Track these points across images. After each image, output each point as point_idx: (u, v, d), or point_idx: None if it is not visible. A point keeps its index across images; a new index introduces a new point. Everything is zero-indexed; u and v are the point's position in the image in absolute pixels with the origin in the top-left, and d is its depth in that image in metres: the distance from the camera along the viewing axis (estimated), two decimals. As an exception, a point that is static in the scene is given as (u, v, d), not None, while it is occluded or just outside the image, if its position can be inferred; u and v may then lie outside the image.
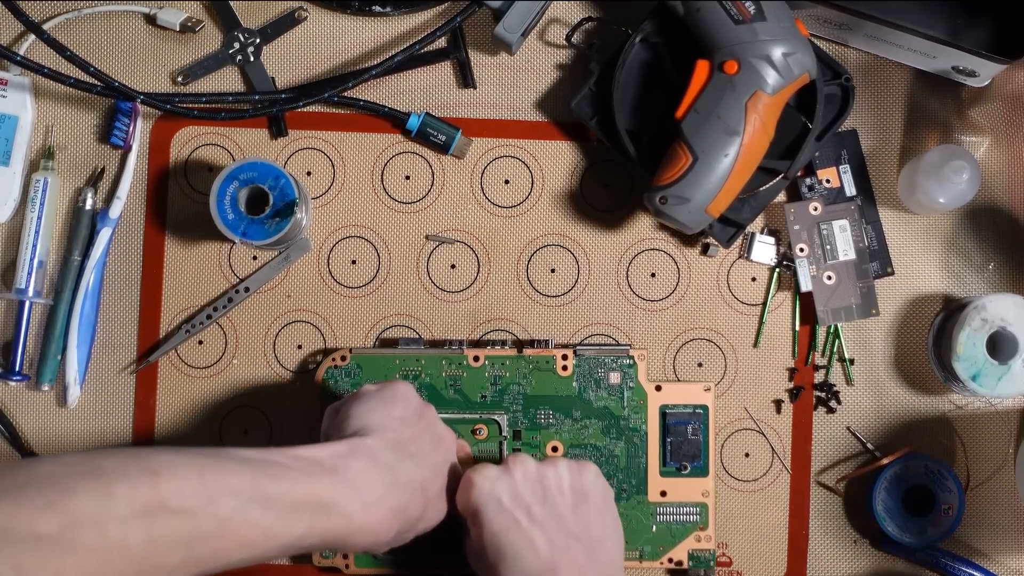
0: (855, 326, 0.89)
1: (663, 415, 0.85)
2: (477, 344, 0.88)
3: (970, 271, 0.89)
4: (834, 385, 0.88)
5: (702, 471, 0.84)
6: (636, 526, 0.84)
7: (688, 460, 0.84)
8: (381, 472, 0.69)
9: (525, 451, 0.84)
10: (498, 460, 0.84)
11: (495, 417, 0.84)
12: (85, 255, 0.88)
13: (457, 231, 0.89)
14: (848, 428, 0.89)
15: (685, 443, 0.84)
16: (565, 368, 0.84)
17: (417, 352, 0.85)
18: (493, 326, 0.89)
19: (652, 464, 0.85)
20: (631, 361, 0.85)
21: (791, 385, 0.89)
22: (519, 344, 0.87)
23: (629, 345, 0.86)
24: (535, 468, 0.76)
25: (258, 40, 0.89)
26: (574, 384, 0.84)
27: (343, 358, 0.85)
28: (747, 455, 0.89)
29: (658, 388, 0.85)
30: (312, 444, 0.69)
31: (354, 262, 0.89)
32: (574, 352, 0.85)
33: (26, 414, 0.89)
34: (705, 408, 0.85)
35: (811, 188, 0.87)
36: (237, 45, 0.89)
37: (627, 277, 0.89)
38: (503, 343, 0.86)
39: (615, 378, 0.85)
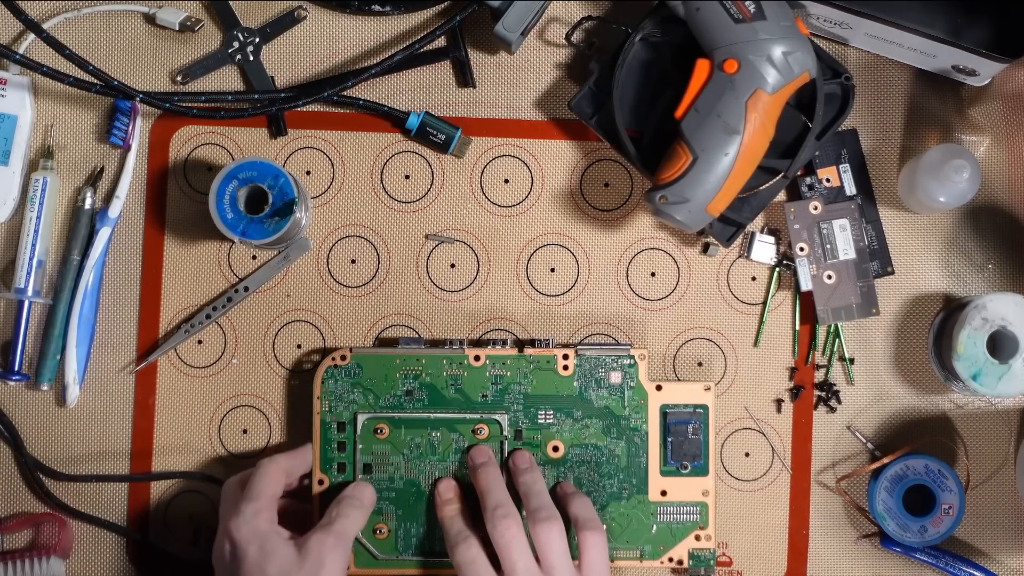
0: (855, 325, 0.88)
1: (663, 415, 0.84)
2: (478, 343, 0.88)
3: (970, 270, 0.89)
4: (834, 384, 0.88)
5: (702, 470, 0.84)
6: (636, 525, 0.84)
7: (688, 459, 0.84)
8: None
9: (527, 450, 0.84)
10: (501, 457, 0.84)
11: (496, 417, 0.84)
12: (84, 254, 0.88)
13: (457, 230, 0.89)
14: (848, 428, 0.88)
15: (685, 442, 0.84)
16: (566, 368, 0.84)
17: (418, 351, 0.84)
18: (493, 325, 0.89)
19: (653, 463, 0.84)
20: (632, 361, 0.84)
21: (791, 384, 0.88)
22: (520, 344, 0.87)
23: (630, 345, 0.86)
24: None
25: (257, 39, 0.89)
26: (575, 384, 0.84)
27: (343, 357, 0.84)
28: (747, 455, 0.88)
29: (659, 388, 0.85)
30: None
31: (354, 261, 0.89)
32: (575, 352, 0.84)
33: (25, 414, 0.89)
34: (705, 408, 0.84)
35: (811, 187, 0.87)
36: (236, 44, 0.89)
37: (627, 276, 0.89)
38: (504, 342, 0.86)
39: (616, 378, 0.84)
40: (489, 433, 0.84)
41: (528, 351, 0.84)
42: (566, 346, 0.86)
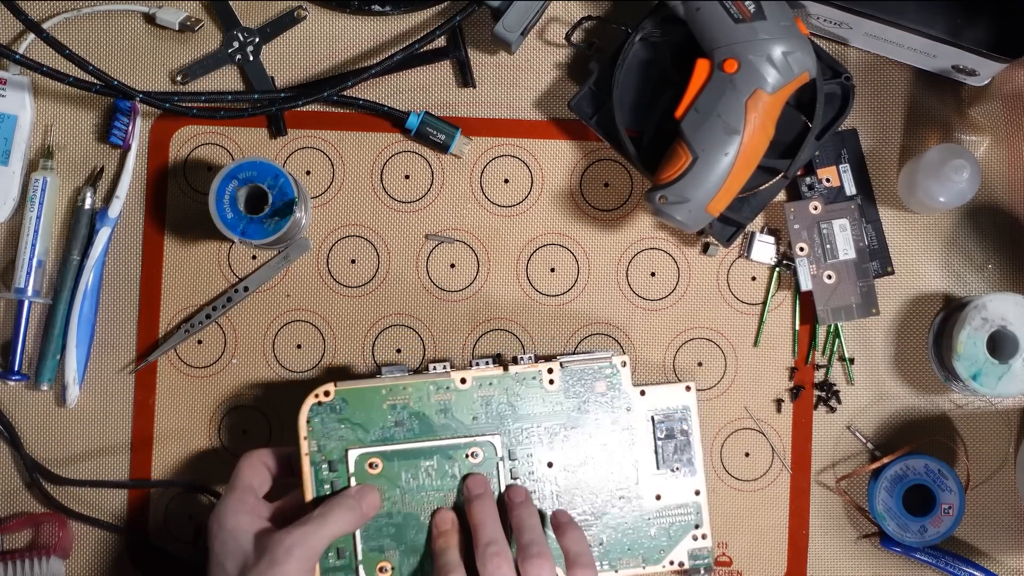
0: (855, 325, 0.88)
1: (651, 420, 0.84)
2: (459, 366, 0.85)
3: (970, 270, 0.89)
4: (834, 384, 0.88)
5: (693, 470, 0.84)
6: (635, 532, 0.83)
7: (679, 461, 0.84)
8: None
9: (520, 468, 0.82)
10: (498, 480, 0.82)
11: (489, 439, 0.81)
12: (84, 254, 0.88)
13: (457, 230, 0.89)
14: (848, 427, 0.88)
15: (675, 445, 0.84)
16: (552, 382, 0.83)
17: (403, 380, 0.81)
18: (493, 325, 0.89)
19: (645, 469, 0.84)
20: (615, 369, 0.83)
21: (791, 384, 0.88)
22: (504, 362, 0.84)
23: (611, 353, 0.84)
24: None
25: (257, 39, 0.89)
26: (562, 397, 0.83)
27: (327, 394, 0.80)
28: (747, 455, 0.88)
29: (643, 393, 0.84)
30: None
31: (353, 261, 0.89)
32: (560, 365, 0.83)
33: (25, 414, 0.89)
34: (689, 408, 0.84)
35: (811, 187, 0.87)
36: (236, 44, 0.89)
37: (627, 276, 0.89)
38: (487, 361, 0.83)
39: (601, 387, 0.83)
40: (483, 456, 0.81)
41: (512, 368, 0.82)
42: (549, 359, 0.84)
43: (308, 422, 0.80)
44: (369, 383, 0.81)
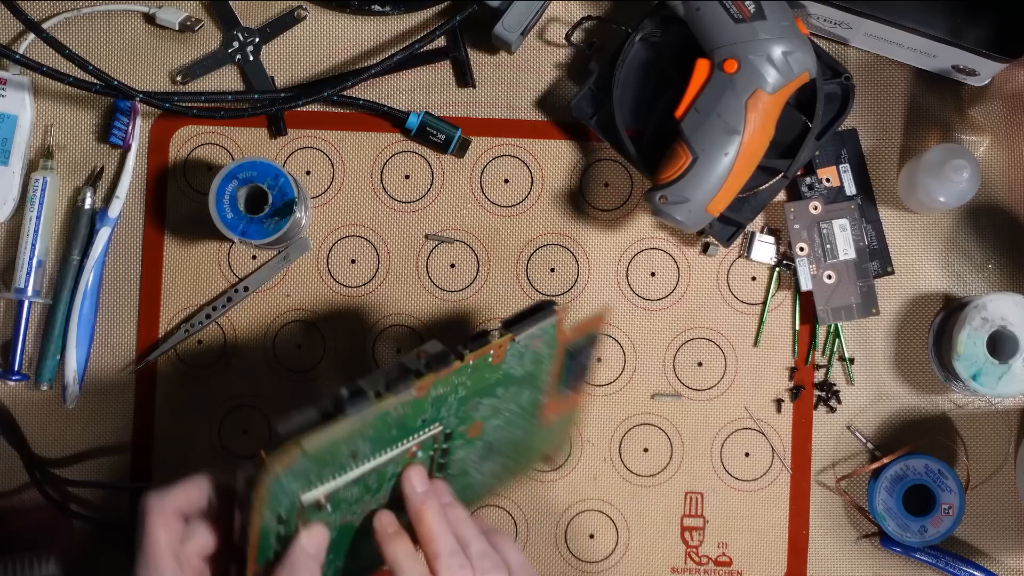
0: (855, 325, 0.88)
1: (567, 355, 0.77)
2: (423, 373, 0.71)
3: (970, 270, 0.89)
4: (834, 384, 0.88)
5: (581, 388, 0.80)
6: (525, 448, 0.80)
7: (579, 380, 0.79)
8: None
9: (462, 447, 0.74)
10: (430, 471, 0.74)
11: (431, 434, 0.71)
12: (84, 254, 0.88)
13: (457, 230, 0.89)
14: (848, 427, 0.88)
15: (579, 369, 0.79)
16: (498, 355, 0.72)
17: (369, 416, 0.66)
18: (493, 326, 0.89)
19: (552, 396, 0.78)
20: (553, 322, 0.74)
21: (791, 384, 0.88)
22: (460, 353, 0.70)
23: (554, 302, 0.74)
24: None
25: (257, 39, 0.89)
26: (503, 366, 0.73)
27: (291, 460, 0.64)
28: (747, 455, 0.88)
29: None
30: None
31: (353, 261, 0.89)
32: (512, 339, 0.72)
33: (25, 414, 0.89)
34: (596, 334, 0.78)
35: (811, 187, 0.87)
36: (236, 44, 0.89)
37: (627, 276, 0.89)
38: (447, 356, 0.70)
39: (539, 343, 0.74)
40: (423, 452, 0.72)
41: (468, 358, 0.70)
42: (507, 328, 0.73)
43: (268, 492, 0.64)
44: (335, 434, 0.65)
